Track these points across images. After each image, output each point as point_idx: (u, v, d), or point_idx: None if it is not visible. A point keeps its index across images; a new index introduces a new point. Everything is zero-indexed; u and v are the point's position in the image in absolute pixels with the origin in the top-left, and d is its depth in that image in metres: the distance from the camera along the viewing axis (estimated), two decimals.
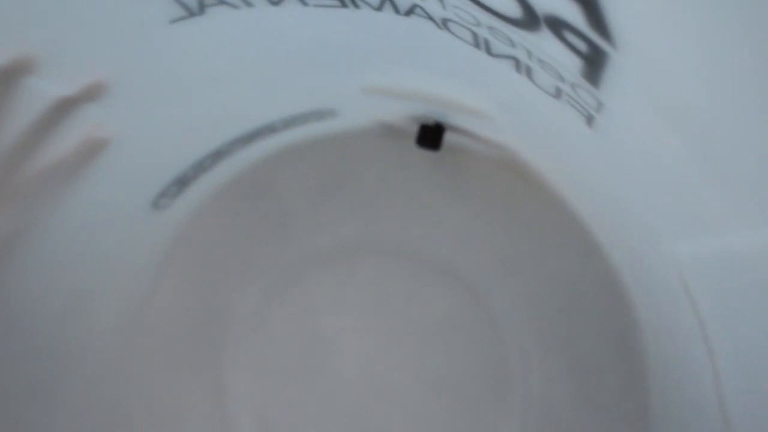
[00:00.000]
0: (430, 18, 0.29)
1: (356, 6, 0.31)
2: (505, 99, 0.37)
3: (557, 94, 0.28)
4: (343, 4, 0.31)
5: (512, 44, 0.26)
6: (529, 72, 0.28)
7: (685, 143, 0.23)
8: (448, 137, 0.46)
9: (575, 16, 0.21)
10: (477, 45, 0.29)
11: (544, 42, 0.24)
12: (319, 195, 0.51)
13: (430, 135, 0.46)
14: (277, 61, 0.40)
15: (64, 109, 0.34)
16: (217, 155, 0.47)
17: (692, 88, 0.20)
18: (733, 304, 0.31)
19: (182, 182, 0.48)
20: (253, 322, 0.52)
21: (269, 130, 0.47)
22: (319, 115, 0.47)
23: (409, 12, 0.30)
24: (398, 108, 0.46)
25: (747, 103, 0.19)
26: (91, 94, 0.34)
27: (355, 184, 0.51)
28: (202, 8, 0.32)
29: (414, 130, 0.47)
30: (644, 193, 0.31)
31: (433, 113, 0.45)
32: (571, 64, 0.24)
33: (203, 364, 0.52)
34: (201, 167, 0.48)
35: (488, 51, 0.29)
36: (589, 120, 0.28)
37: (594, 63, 0.22)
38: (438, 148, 0.46)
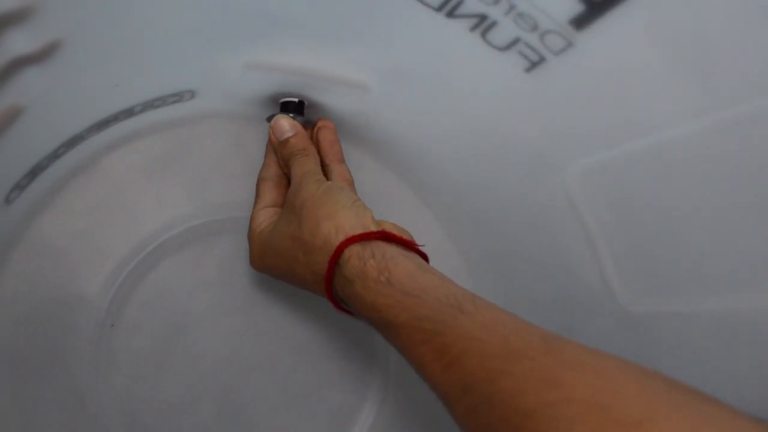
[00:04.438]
0: None
1: None
2: (405, 66, 0.43)
3: (508, 46, 0.36)
4: None
5: (495, 1, 0.33)
6: (488, 28, 0.35)
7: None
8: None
9: None
10: (440, 7, 0.35)
11: None
12: (161, 179, 0.51)
13: (292, 109, 0.49)
14: (165, 37, 0.40)
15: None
16: (71, 142, 0.45)
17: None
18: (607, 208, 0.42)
19: (34, 173, 0.44)
20: (111, 317, 0.49)
21: (127, 114, 0.46)
22: (178, 96, 0.47)
23: None
24: (260, 86, 0.48)
25: None
26: (45, 53, 0.32)
27: (196, 164, 0.51)
28: None
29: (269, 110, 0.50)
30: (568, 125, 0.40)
31: (296, 90, 0.48)
32: (562, 12, 0.32)
33: (55, 367, 0.48)
34: (55, 155, 0.45)
35: (451, 12, 0.35)
36: (534, 65, 0.36)
37: (599, 8, 0.30)
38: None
